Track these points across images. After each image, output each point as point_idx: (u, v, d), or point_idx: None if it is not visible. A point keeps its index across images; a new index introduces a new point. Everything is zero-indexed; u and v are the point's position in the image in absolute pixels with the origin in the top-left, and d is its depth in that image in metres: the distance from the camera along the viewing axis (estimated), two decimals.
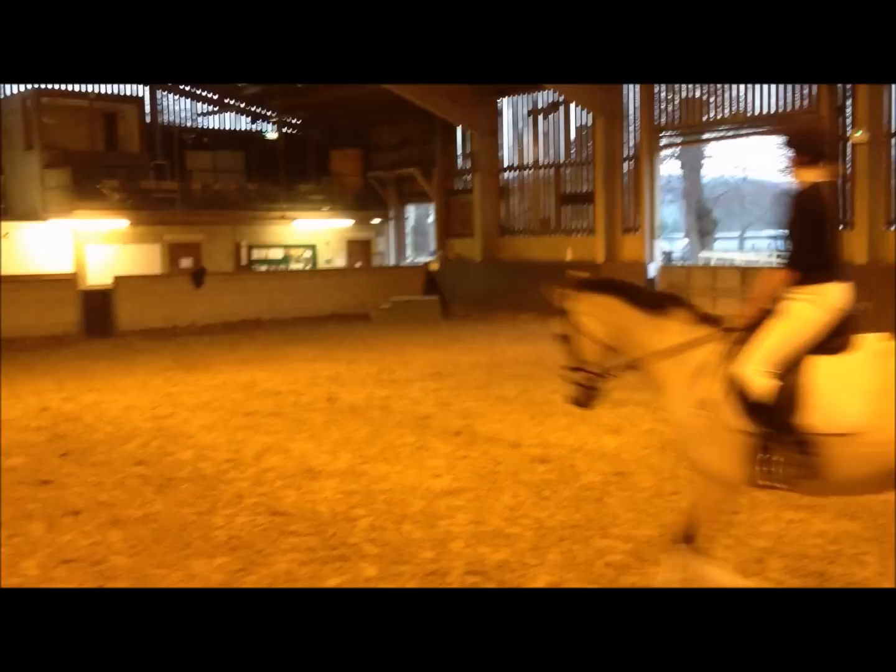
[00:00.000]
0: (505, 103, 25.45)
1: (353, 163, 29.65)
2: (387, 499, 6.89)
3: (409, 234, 31.19)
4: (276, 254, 27.89)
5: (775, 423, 3.93)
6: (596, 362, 4.56)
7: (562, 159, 24.27)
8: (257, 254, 27.47)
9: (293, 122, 31.19)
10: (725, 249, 37.71)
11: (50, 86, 26.24)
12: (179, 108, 29.42)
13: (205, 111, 29.96)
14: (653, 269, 21.19)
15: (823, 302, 4.02)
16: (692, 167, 36.15)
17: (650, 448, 8.40)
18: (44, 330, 19.16)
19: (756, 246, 39.50)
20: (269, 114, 30.75)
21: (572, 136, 24.07)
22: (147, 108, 27.82)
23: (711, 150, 34.99)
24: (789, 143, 4.16)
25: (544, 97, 24.32)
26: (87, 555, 5.78)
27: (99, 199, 23.72)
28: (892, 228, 17.32)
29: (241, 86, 28.99)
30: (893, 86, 16.87)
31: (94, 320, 20.21)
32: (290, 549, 5.80)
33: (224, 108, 30.09)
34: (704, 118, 20.77)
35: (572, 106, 23.50)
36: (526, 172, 25.23)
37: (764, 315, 4.11)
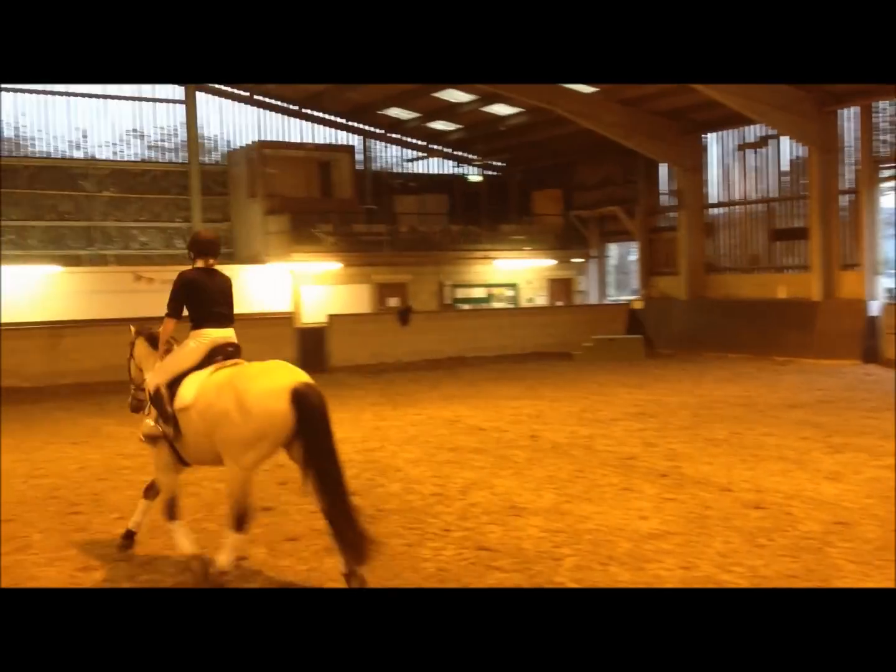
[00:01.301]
0: (711, 139, 24.89)
1: (554, 203, 29.82)
2: (592, 539, 6.80)
3: (611, 272, 30.91)
4: (479, 293, 28.39)
5: (160, 407, 6.24)
6: (138, 381, 6.87)
7: (773, 194, 23.41)
8: (460, 293, 28.08)
9: (496, 164, 31.84)
10: None
11: (272, 137, 28.17)
12: (388, 154, 30.73)
13: (412, 157, 31.13)
14: (875, 307, 19.93)
15: (199, 339, 6.31)
16: None
17: (874, 497, 7.86)
18: None
19: None
20: (472, 157, 31.55)
21: (784, 170, 23.20)
22: (359, 156, 29.24)
23: None
24: (188, 245, 6.62)
25: (753, 131, 23.59)
26: (304, 580, 6.05)
27: (314, 243, 25.08)
28: None
29: (447, 131, 29.95)
30: None
31: (309, 356, 21.27)
32: (495, 585, 5.84)
33: (430, 153, 31.14)
34: None
35: (784, 139, 22.67)
36: (734, 208, 24.50)
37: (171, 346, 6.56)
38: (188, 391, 6.11)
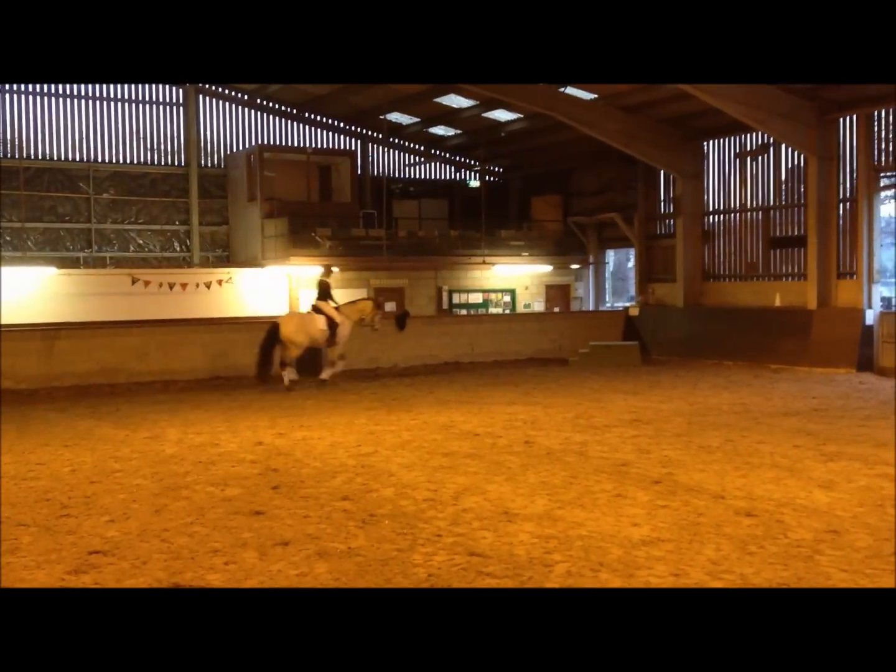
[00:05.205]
0: (711, 146, 24.93)
1: (553, 209, 29.84)
2: (584, 545, 6.80)
3: (609, 279, 30.93)
4: (476, 298, 28.41)
5: None
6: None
7: (771, 202, 23.44)
8: (458, 298, 28.09)
9: (495, 170, 31.87)
10: None
11: (271, 141, 28.19)
12: (388, 159, 30.76)
13: (412, 162, 31.15)
14: (871, 316, 19.96)
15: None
16: None
17: (867, 505, 7.87)
18: None
19: None
20: (472, 163, 31.59)
21: (782, 178, 23.24)
22: (359, 161, 29.25)
23: None
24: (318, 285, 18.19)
25: (753, 138, 23.64)
26: (295, 585, 6.04)
27: (312, 247, 25.08)
28: None
29: (447, 136, 29.97)
30: None
31: (304, 360, 21.23)
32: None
33: (430, 158, 31.17)
34: None
35: (783, 147, 22.71)
36: (732, 216, 24.53)
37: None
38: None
